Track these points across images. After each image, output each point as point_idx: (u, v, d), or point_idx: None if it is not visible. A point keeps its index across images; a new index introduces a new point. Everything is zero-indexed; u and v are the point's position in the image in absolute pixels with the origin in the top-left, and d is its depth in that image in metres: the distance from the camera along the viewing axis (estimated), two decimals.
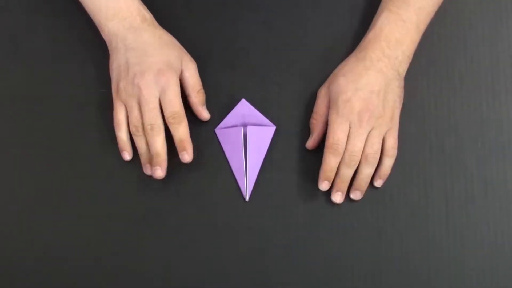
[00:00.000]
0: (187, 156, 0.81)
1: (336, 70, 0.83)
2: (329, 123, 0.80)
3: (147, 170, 0.83)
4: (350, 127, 0.79)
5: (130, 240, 0.83)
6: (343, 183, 0.81)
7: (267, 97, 0.86)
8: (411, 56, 0.83)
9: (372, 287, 0.81)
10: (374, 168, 0.81)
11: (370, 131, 0.80)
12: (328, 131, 0.80)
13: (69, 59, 0.89)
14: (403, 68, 0.82)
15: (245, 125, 0.85)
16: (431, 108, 0.85)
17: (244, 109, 0.86)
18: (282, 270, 0.82)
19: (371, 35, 0.82)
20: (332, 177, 0.81)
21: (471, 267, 0.81)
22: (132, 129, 0.81)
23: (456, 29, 0.88)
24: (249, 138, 0.84)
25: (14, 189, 0.85)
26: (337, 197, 0.82)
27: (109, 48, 0.84)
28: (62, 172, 0.85)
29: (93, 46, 0.88)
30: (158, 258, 0.82)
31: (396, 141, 0.82)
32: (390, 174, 0.83)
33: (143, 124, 0.80)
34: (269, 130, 0.85)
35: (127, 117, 0.82)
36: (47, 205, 0.84)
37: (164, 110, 0.80)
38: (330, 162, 0.80)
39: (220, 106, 0.84)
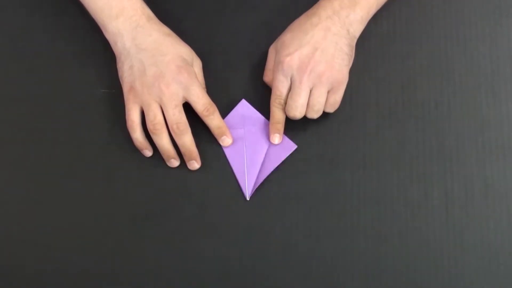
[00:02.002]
0: (228, 140, 0.84)
1: (287, 28, 0.84)
2: (273, 77, 0.82)
3: (173, 164, 0.84)
4: (291, 83, 0.80)
5: (131, 240, 0.83)
6: (278, 124, 0.83)
7: (267, 97, 0.86)
8: (365, 18, 0.82)
9: (372, 287, 0.81)
10: (318, 115, 0.82)
11: (312, 89, 0.80)
12: (272, 85, 0.82)
13: (69, 59, 0.89)
14: (354, 28, 0.82)
15: (245, 126, 0.85)
16: (431, 108, 0.85)
17: (244, 110, 0.86)
18: (283, 270, 0.82)
19: None
20: (282, 129, 0.83)
21: (471, 267, 0.81)
22: (150, 128, 0.81)
23: (456, 28, 0.88)
24: (249, 138, 0.84)
25: (14, 189, 0.85)
26: (275, 139, 0.84)
27: (114, 48, 0.83)
28: (62, 172, 0.85)
29: (93, 46, 0.88)
30: (158, 258, 0.82)
31: (340, 98, 0.82)
32: (391, 174, 0.83)
33: (165, 123, 0.81)
34: (268, 129, 0.85)
35: (141, 118, 0.82)
36: (47, 205, 0.84)
37: (194, 105, 0.81)
38: (276, 115, 0.82)
39: (220, 106, 0.84)
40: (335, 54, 0.80)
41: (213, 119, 0.83)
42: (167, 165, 0.84)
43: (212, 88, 0.86)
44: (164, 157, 0.83)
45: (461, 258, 0.81)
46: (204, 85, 0.85)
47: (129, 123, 0.82)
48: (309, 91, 0.80)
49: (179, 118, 0.81)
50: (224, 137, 0.84)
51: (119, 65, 0.83)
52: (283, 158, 0.84)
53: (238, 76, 0.87)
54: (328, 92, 0.81)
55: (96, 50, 0.88)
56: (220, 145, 0.85)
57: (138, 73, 0.80)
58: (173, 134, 0.81)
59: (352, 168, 0.84)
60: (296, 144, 0.84)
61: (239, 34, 0.89)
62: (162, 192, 0.84)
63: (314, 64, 0.79)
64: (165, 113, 0.81)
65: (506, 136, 0.84)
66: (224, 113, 0.86)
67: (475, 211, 0.82)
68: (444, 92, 0.86)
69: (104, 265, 0.82)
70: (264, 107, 0.86)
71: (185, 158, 0.83)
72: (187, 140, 0.82)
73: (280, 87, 0.81)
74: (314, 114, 0.82)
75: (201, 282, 0.82)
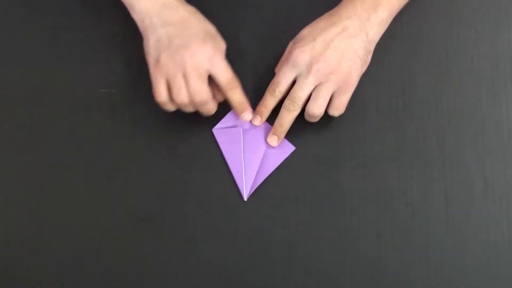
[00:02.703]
0: (249, 115, 0.84)
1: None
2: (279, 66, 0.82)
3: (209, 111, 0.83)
4: (298, 77, 0.80)
5: (131, 240, 0.83)
6: (280, 127, 0.83)
7: None
8: (385, 21, 0.81)
9: (372, 287, 0.81)
10: (319, 114, 0.81)
11: (318, 85, 0.80)
12: (276, 73, 0.82)
13: (69, 59, 0.89)
14: (374, 31, 0.81)
15: (243, 125, 0.85)
16: (431, 108, 0.85)
17: None
18: (283, 270, 0.82)
19: None
20: (266, 114, 0.83)
21: (471, 267, 0.81)
22: (178, 103, 0.81)
23: (456, 29, 0.88)
24: (247, 138, 0.84)
25: (14, 189, 0.85)
26: (273, 141, 0.84)
27: (141, 26, 0.83)
28: (62, 172, 0.85)
29: (93, 46, 0.88)
30: (158, 258, 0.82)
31: (347, 101, 0.81)
32: (391, 174, 0.83)
33: (189, 97, 0.80)
34: (266, 130, 0.85)
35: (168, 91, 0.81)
36: (47, 205, 0.84)
37: (216, 77, 0.81)
38: (266, 100, 0.82)
39: (220, 106, 0.84)
40: (346, 56, 0.79)
41: (234, 93, 0.82)
42: (167, 165, 0.84)
43: None
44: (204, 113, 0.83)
45: (461, 258, 0.81)
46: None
47: (158, 99, 0.81)
48: (312, 88, 0.80)
49: (199, 87, 0.80)
50: (245, 112, 0.83)
51: (144, 42, 0.83)
52: (281, 160, 0.84)
53: (238, 76, 0.87)
54: (334, 93, 0.80)
55: (96, 50, 0.88)
56: (217, 145, 0.85)
57: (163, 46, 0.80)
58: (195, 105, 0.81)
59: (352, 168, 0.84)
60: (296, 144, 0.84)
61: (239, 34, 0.88)
62: (162, 192, 0.84)
63: (323, 62, 0.79)
64: (187, 83, 0.80)
65: (506, 136, 0.84)
66: (223, 112, 0.85)
67: (475, 211, 0.82)
68: (444, 92, 0.86)
69: (104, 265, 0.82)
70: None
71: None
72: (211, 108, 0.82)
73: (281, 76, 0.81)
74: (315, 110, 0.80)
75: (201, 282, 0.82)
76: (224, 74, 0.81)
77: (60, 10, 0.90)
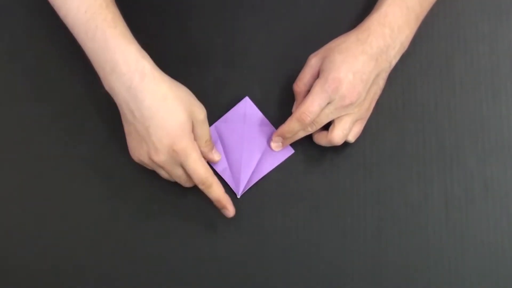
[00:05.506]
0: (228, 212, 0.80)
1: (333, 44, 0.81)
2: (311, 92, 0.79)
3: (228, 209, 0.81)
4: (327, 104, 0.79)
5: (131, 239, 0.83)
6: (290, 139, 0.83)
7: (267, 96, 0.86)
8: (405, 47, 0.82)
9: (372, 287, 0.81)
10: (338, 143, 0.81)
11: (343, 116, 0.80)
12: (306, 98, 0.79)
13: (69, 59, 0.89)
14: (396, 59, 0.82)
15: (245, 123, 0.85)
16: (431, 108, 0.85)
17: (246, 107, 0.86)
18: (282, 270, 0.82)
19: (375, 17, 0.80)
20: (290, 141, 0.83)
21: (471, 267, 0.81)
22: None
23: (456, 28, 0.88)
24: (247, 137, 0.84)
25: (14, 189, 0.85)
26: (277, 147, 0.84)
27: (116, 101, 0.79)
28: (62, 172, 0.85)
29: None
30: (158, 258, 0.82)
31: (361, 130, 0.82)
32: (391, 174, 0.83)
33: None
34: (268, 130, 0.85)
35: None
36: (47, 205, 0.84)
37: (192, 177, 0.78)
38: (292, 127, 0.80)
39: (220, 106, 0.84)
40: (373, 89, 0.80)
41: (210, 192, 0.79)
42: None
43: (212, 88, 0.86)
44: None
45: (461, 258, 0.81)
46: (209, 135, 0.80)
47: (166, 179, 0.81)
48: (337, 116, 0.80)
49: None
50: (224, 210, 0.80)
51: (122, 120, 0.80)
52: (279, 162, 0.84)
53: (238, 75, 0.87)
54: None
55: None
56: (219, 145, 0.85)
57: (137, 143, 0.78)
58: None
59: (352, 168, 0.84)
60: (296, 143, 0.84)
61: (239, 34, 0.88)
62: (162, 191, 0.84)
63: (357, 96, 0.78)
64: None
65: (506, 136, 0.84)
66: (222, 112, 0.85)
67: (475, 211, 0.82)
68: (444, 92, 0.86)
69: (104, 265, 0.82)
70: (263, 107, 0.86)
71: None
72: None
73: (315, 105, 0.78)
74: (339, 139, 0.80)
75: (201, 282, 0.82)
76: (196, 176, 0.77)
77: None
